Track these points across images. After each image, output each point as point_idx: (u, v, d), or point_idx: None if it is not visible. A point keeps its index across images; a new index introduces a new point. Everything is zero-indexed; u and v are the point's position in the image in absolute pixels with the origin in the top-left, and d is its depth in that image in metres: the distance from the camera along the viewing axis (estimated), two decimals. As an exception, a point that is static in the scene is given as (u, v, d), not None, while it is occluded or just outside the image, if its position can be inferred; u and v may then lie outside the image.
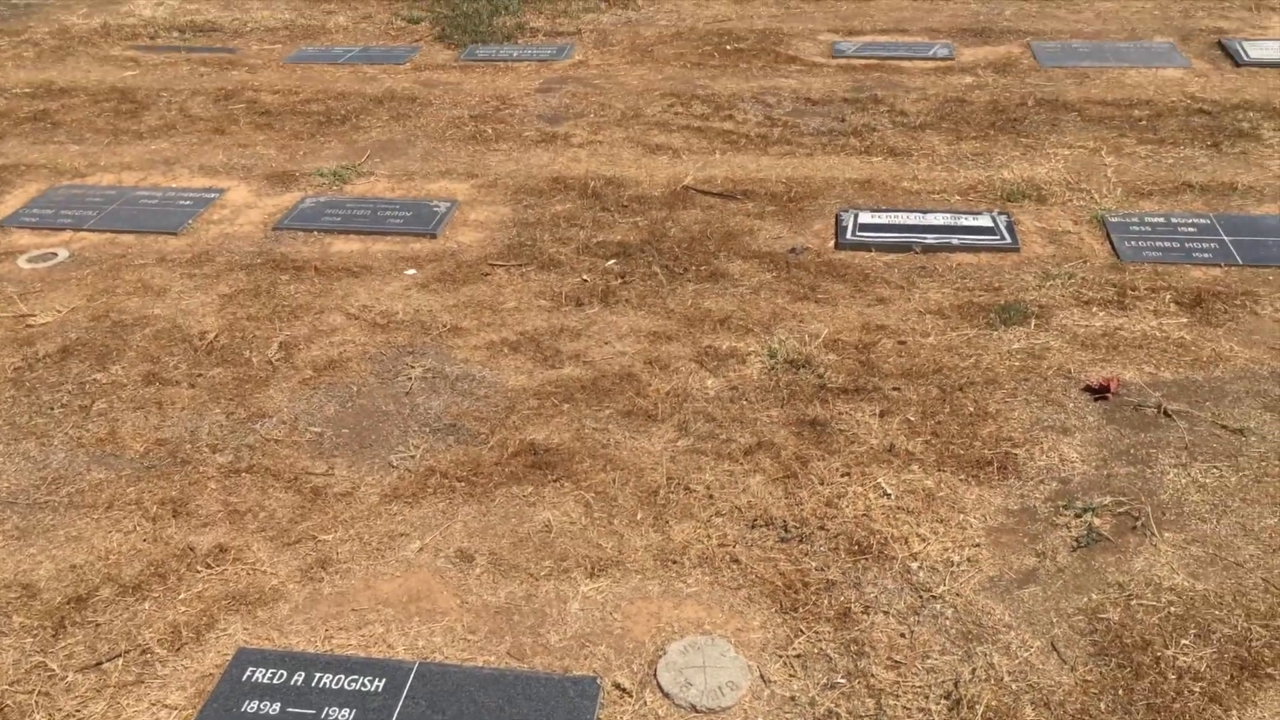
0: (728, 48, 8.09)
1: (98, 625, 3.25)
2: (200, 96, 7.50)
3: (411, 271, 5.18)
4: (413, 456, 3.92)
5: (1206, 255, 4.96)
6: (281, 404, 4.25)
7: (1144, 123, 6.42)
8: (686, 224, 5.50)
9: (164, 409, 4.24)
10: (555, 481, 3.76)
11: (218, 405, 4.25)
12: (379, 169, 6.28)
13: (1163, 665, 2.95)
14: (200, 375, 4.44)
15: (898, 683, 2.95)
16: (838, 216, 5.45)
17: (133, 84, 7.79)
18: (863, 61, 7.70)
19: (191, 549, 3.52)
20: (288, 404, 4.25)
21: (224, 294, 5.04)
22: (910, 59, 7.68)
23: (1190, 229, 5.18)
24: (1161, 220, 5.27)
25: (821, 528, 3.50)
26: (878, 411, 4.03)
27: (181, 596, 3.34)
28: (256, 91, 7.55)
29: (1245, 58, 7.25)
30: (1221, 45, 7.55)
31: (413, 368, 4.43)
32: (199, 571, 3.43)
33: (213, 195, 6.00)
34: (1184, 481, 3.62)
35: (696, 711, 2.91)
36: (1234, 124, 6.34)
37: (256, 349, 4.61)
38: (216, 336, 4.70)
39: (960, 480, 3.67)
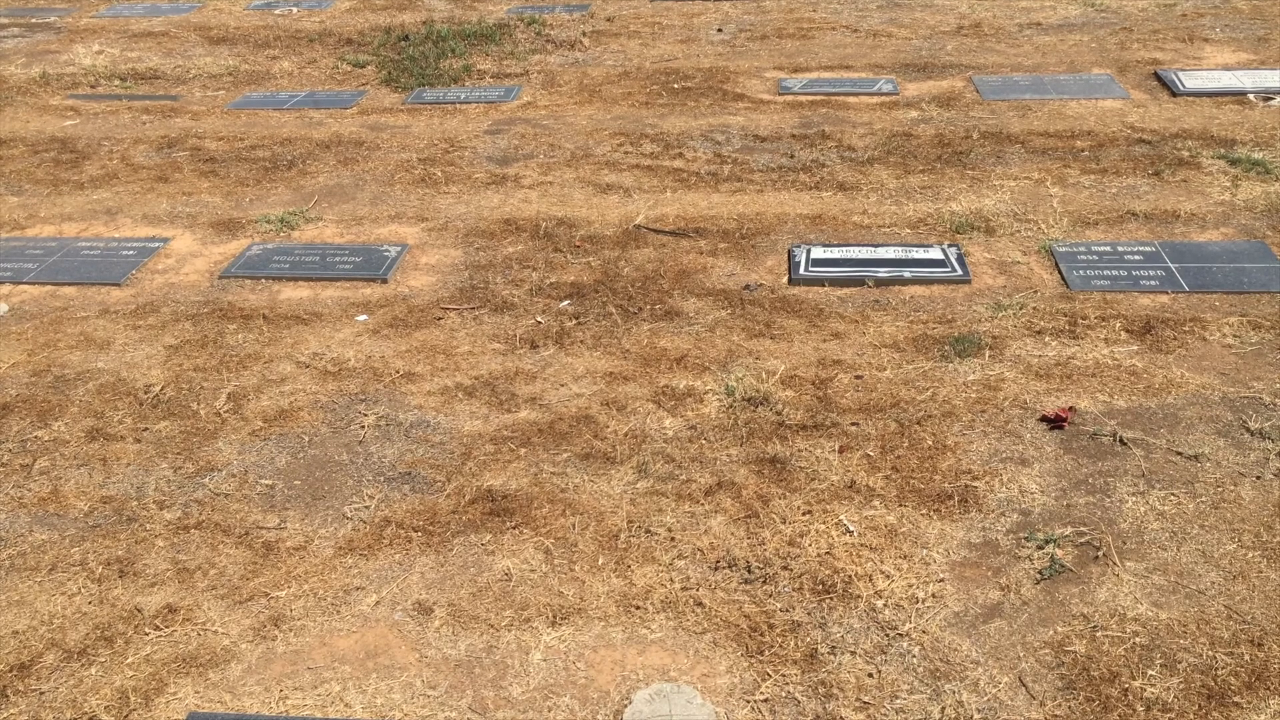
0: (675, 86, 8.13)
1: (42, 693, 3.12)
2: (143, 145, 7.39)
3: (363, 317, 5.11)
4: (367, 507, 3.84)
5: (1154, 283, 5.03)
6: (231, 457, 4.15)
7: (1086, 153, 6.52)
8: (639, 263, 5.48)
9: (109, 465, 4.12)
10: (514, 529, 3.69)
11: (165, 460, 4.14)
12: (327, 214, 6.22)
13: (1130, 697, 2.94)
14: (146, 429, 4.33)
15: (867, 724, 2.92)
16: (790, 252, 5.46)
17: (73, 133, 7.66)
18: (809, 98, 7.77)
19: (139, 610, 3.41)
20: (237, 456, 4.15)
21: (170, 345, 4.93)
22: (855, 94, 7.76)
23: (1137, 257, 5.25)
24: (1108, 249, 5.34)
25: (785, 568, 3.46)
26: (836, 447, 4.01)
27: (129, 660, 3.22)
28: (201, 139, 7.46)
29: (1182, 88, 7.41)
30: (1158, 76, 7.71)
31: (365, 416, 4.35)
32: (147, 633, 3.32)
33: (156, 245, 5.89)
34: (1143, 510, 3.63)
35: (665, 762, 2.85)
36: (1174, 153, 6.46)
37: (204, 401, 4.51)
38: (163, 389, 4.59)
39: (922, 515, 3.66)
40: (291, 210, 6.23)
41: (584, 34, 9.51)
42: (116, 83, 8.68)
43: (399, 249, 5.71)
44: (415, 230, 5.97)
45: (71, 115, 8.05)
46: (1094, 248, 5.35)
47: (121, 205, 6.47)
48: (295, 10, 10.50)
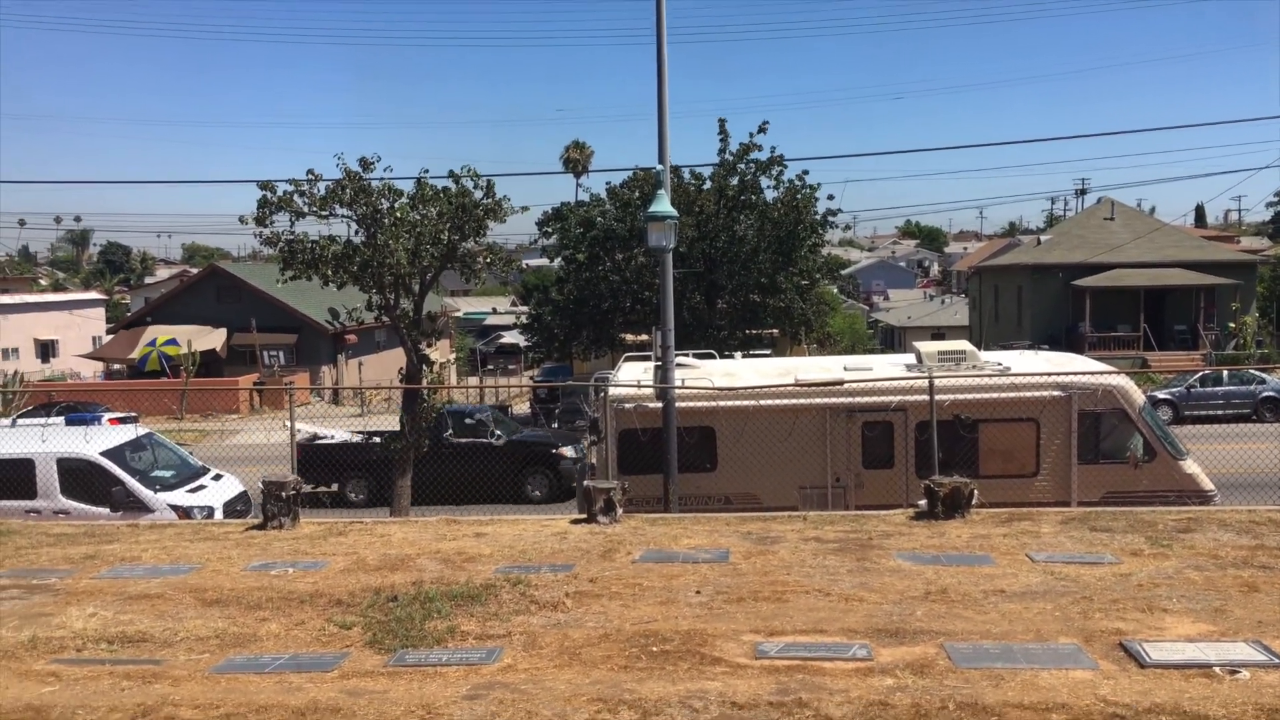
0: (654, 649, 8.26)
1: None
2: (117, 714, 7.33)
3: None
4: None
5: None
6: None
7: (1063, 729, 6.52)
8: None
9: None
10: None
11: None
12: (292, 793, 6.05)
13: None
14: None
15: None
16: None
17: (49, 700, 7.63)
18: (785, 663, 7.87)
19: None
20: None
21: None
22: (831, 659, 7.88)
23: None
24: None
25: None
26: None
27: None
28: (176, 706, 7.42)
29: (1148, 659, 7.56)
30: (1123, 646, 7.88)
31: None
32: None
33: (110, 828, 5.66)
34: None
35: None
36: (1150, 730, 6.47)
37: None
38: None
39: None
40: (256, 789, 6.07)
41: (567, 594, 9.81)
42: (104, 646, 8.79)
43: (362, 835, 5.48)
44: (381, 813, 5.77)
45: (52, 681, 8.06)
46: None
47: (82, 784, 6.31)
48: (291, 571, 10.91)
